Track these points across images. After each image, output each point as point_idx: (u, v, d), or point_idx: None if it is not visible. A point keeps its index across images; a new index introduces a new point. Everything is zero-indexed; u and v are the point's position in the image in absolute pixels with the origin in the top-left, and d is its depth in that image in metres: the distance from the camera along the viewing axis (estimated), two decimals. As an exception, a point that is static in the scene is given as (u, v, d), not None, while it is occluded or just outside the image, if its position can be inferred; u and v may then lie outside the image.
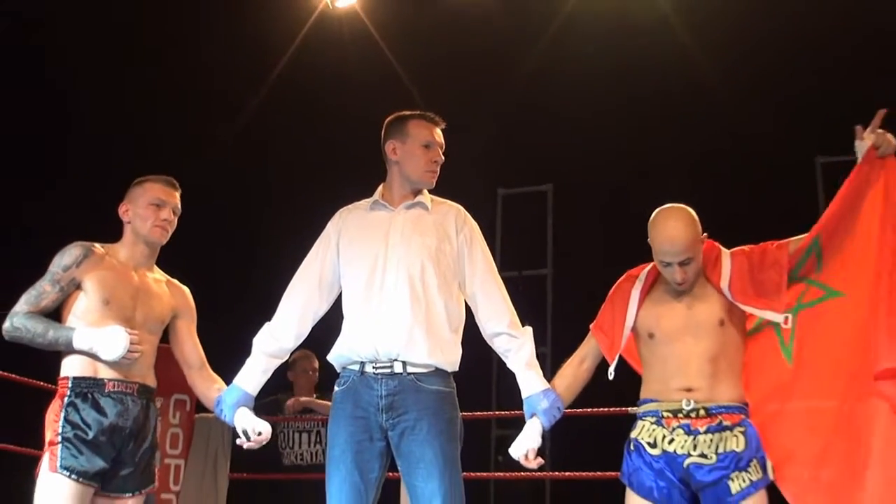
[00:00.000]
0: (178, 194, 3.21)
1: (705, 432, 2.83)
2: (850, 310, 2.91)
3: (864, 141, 2.93)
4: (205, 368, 3.26)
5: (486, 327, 3.06)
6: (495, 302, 3.05)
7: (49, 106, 6.78)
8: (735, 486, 2.77)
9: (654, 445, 2.88)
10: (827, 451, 2.87)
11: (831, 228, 2.96)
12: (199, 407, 4.47)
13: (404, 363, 2.92)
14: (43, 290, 3.03)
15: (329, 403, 3.09)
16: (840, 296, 2.94)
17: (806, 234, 2.96)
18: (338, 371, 3.05)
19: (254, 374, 3.08)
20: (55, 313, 3.06)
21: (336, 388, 3.03)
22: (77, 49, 6.67)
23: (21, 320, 2.99)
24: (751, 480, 2.78)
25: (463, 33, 6.86)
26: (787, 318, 2.89)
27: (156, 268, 3.24)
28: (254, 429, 3.01)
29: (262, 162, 7.40)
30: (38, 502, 2.91)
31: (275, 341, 3.08)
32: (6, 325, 3.01)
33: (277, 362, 3.13)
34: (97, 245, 3.12)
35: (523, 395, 3.00)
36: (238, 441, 3.08)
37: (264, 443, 3.06)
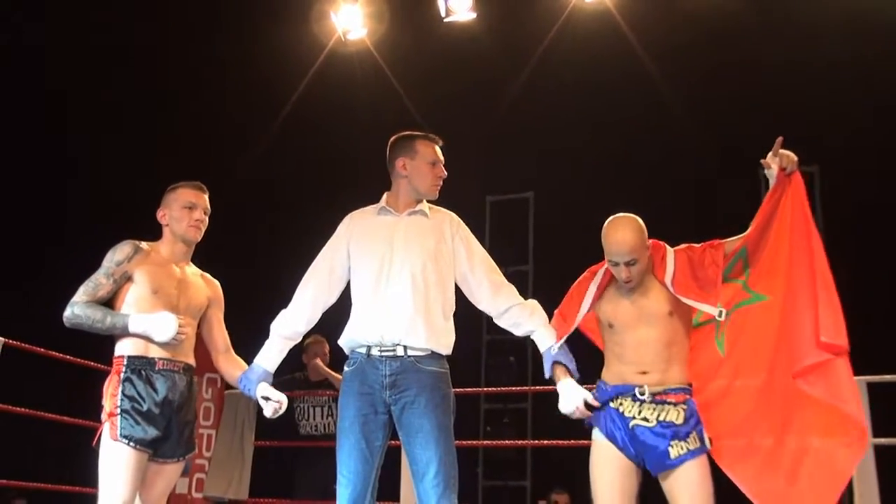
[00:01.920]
0: (206, 196, 3.21)
1: (650, 402, 2.83)
2: (773, 312, 2.92)
3: (772, 167, 2.92)
4: (230, 352, 3.25)
5: (497, 306, 3.06)
6: (500, 284, 3.08)
7: (71, 150, 6.76)
8: (674, 452, 2.78)
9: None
10: (748, 424, 2.89)
11: (755, 239, 2.96)
12: (229, 384, 4.46)
13: (406, 347, 2.92)
14: (99, 283, 3.03)
15: (339, 376, 3.09)
16: (764, 299, 2.95)
17: (738, 238, 2.96)
18: (347, 354, 3.05)
19: (271, 353, 3.09)
20: (107, 303, 3.06)
21: (345, 369, 3.03)
22: (94, 90, 6.65)
23: (81, 309, 2.98)
24: (688, 449, 2.78)
25: (458, 64, 6.89)
26: (720, 312, 2.87)
27: (191, 263, 3.25)
28: (274, 398, 3.03)
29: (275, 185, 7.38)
30: (103, 467, 2.90)
31: (289, 325, 3.08)
32: (67, 312, 3.00)
33: (291, 344, 3.13)
34: (143, 243, 3.14)
35: (542, 349, 3.01)
36: (263, 411, 3.09)
37: (282, 411, 3.08)
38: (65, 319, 3.01)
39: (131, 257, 3.05)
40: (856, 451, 2.77)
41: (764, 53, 6.31)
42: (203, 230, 3.19)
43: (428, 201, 3.14)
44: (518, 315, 3.05)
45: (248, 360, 3.14)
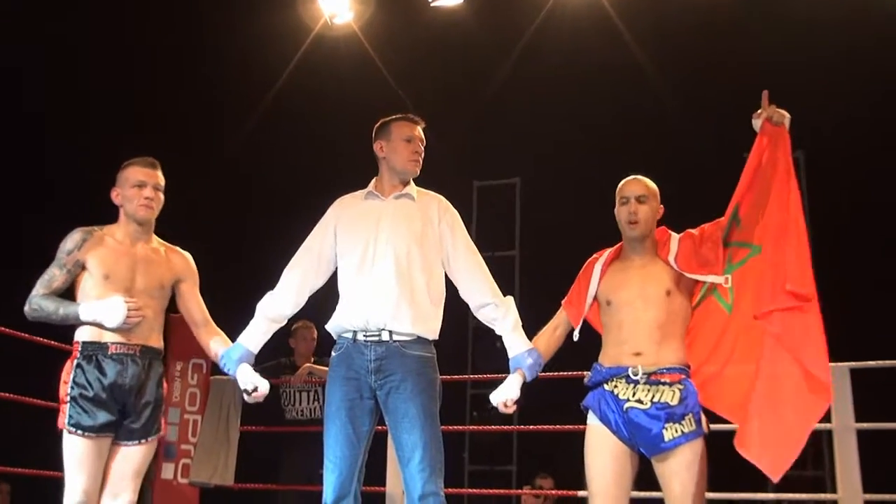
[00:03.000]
0: (158, 172, 3.14)
1: (644, 383, 2.84)
2: (767, 261, 2.91)
3: (759, 118, 2.95)
4: (209, 324, 3.22)
5: (473, 300, 3.06)
6: (479, 277, 3.06)
7: (51, 124, 6.69)
8: (668, 434, 2.77)
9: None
10: (749, 400, 2.85)
11: (745, 194, 2.98)
12: (214, 369, 4.45)
13: (391, 332, 2.92)
14: (53, 275, 3.04)
15: (326, 369, 3.08)
16: (759, 250, 2.94)
17: (730, 203, 2.99)
18: (334, 339, 3.05)
19: (255, 334, 3.07)
20: (68, 292, 3.06)
21: (333, 354, 3.02)
22: (74, 73, 6.58)
23: (38, 301, 3.01)
24: (683, 431, 2.77)
25: (445, 49, 6.87)
26: (726, 279, 2.91)
27: (154, 238, 3.19)
28: (253, 384, 3.00)
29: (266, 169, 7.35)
30: (64, 457, 2.94)
31: (275, 308, 3.07)
32: (26, 308, 3.03)
33: (276, 326, 3.11)
34: (97, 228, 3.11)
35: (510, 355, 3.02)
36: (241, 388, 3.05)
37: (262, 398, 3.05)
38: (26, 314, 3.04)
39: (81, 245, 3.04)
40: (820, 401, 2.72)
41: (752, 39, 6.32)
42: (157, 208, 3.13)
43: (416, 182, 3.13)
44: (492, 314, 3.04)
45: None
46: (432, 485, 2.83)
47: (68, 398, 2.95)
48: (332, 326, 3.04)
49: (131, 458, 3.02)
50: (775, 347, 2.78)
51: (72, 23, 6.41)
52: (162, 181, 3.15)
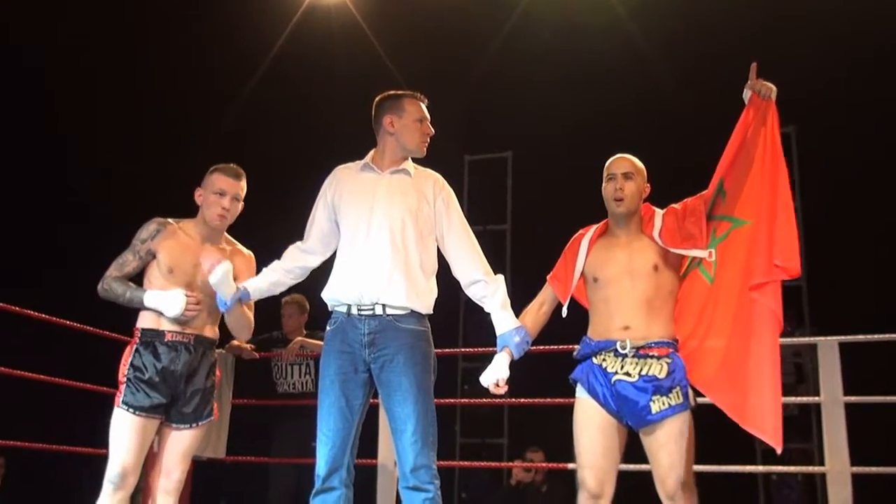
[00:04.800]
0: (242, 183, 3.25)
1: (633, 357, 2.86)
2: (752, 234, 2.93)
3: (747, 90, 2.97)
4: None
5: (464, 276, 3.06)
6: (470, 255, 3.06)
7: (51, 109, 6.64)
8: (655, 406, 2.79)
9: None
10: (722, 374, 2.89)
11: (729, 168, 2.99)
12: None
13: (384, 306, 2.93)
14: (126, 259, 3.20)
15: (318, 342, 3.09)
16: (745, 224, 2.96)
17: (713, 176, 3.00)
18: (329, 310, 3.06)
19: (261, 280, 3.14)
20: (138, 277, 3.22)
21: (327, 328, 3.03)
22: (73, 56, 6.53)
23: (109, 282, 3.17)
24: (670, 404, 2.79)
25: (437, 22, 6.83)
26: (710, 252, 2.93)
27: (225, 237, 3.31)
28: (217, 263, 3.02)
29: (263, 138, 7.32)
30: (111, 431, 3.08)
31: (302, 256, 3.11)
32: (100, 286, 3.18)
33: (290, 278, 3.14)
34: (171, 220, 3.24)
35: (498, 332, 3.02)
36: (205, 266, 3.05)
37: (227, 268, 3.05)
38: (98, 292, 3.19)
39: (154, 235, 3.20)
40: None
41: (743, 13, 6.30)
42: (230, 217, 3.25)
43: (414, 160, 3.13)
44: (482, 291, 3.04)
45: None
46: (424, 457, 2.85)
47: (125, 379, 3.10)
48: (326, 296, 3.04)
49: (182, 440, 3.17)
50: (770, 319, 2.80)
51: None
52: (243, 191, 3.26)
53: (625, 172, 2.97)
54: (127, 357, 3.14)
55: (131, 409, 3.05)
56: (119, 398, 3.08)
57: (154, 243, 3.18)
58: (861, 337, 4.10)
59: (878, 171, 6.18)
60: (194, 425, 3.18)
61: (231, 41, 6.79)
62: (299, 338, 5.04)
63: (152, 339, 3.14)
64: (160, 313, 3.12)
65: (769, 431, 2.72)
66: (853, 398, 3.99)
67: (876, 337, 4.10)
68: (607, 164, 3.03)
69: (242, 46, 6.96)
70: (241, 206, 3.27)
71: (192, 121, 6.76)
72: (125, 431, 3.05)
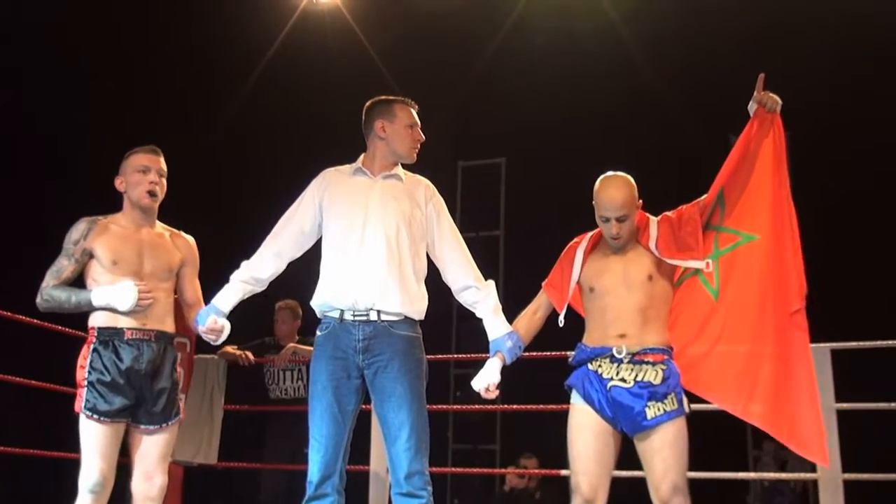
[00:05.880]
0: (161, 159, 3.16)
1: (628, 363, 2.86)
2: (764, 251, 2.95)
3: (753, 102, 2.97)
4: (199, 304, 3.23)
5: (455, 283, 3.06)
6: (461, 261, 3.06)
7: (41, 106, 6.62)
8: (651, 412, 2.79)
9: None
10: (748, 383, 2.93)
11: (731, 179, 2.98)
12: (198, 348, 4.44)
13: (379, 311, 2.92)
14: (61, 266, 3.07)
15: (310, 348, 3.08)
16: (753, 238, 2.97)
17: (712, 185, 2.99)
18: (319, 316, 3.05)
19: (226, 295, 3.07)
20: (79, 282, 3.09)
21: (318, 333, 3.02)
22: (63, 58, 6.51)
23: (49, 292, 3.04)
24: (665, 410, 2.79)
25: (431, 28, 6.84)
26: (707, 263, 2.93)
27: (158, 223, 3.22)
28: (212, 325, 3.01)
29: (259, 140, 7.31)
30: (81, 438, 2.97)
31: (249, 272, 3.06)
32: (38, 299, 3.07)
33: (249, 288, 3.09)
34: (100, 217, 3.13)
35: (490, 338, 3.02)
36: (199, 329, 3.05)
37: (224, 333, 3.05)
38: (38, 306, 3.08)
39: (87, 234, 3.07)
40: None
41: (737, 18, 6.32)
42: (160, 194, 3.15)
43: (404, 166, 3.13)
44: (473, 297, 3.04)
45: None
46: (418, 463, 2.85)
47: (85, 382, 2.97)
48: (317, 303, 3.03)
49: (157, 442, 3.05)
50: (801, 337, 2.86)
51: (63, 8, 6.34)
52: (164, 168, 3.17)
53: (619, 217, 2.87)
54: (84, 358, 3.00)
55: (97, 416, 2.94)
56: (80, 403, 2.95)
57: (88, 242, 3.05)
58: (853, 344, 4.11)
59: (871, 177, 6.20)
60: (164, 425, 3.06)
61: (225, 46, 6.79)
62: (291, 344, 5.02)
63: (111, 337, 3.00)
64: (114, 310, 2.99)
65: (813, 448, 2.76)
66: (845, 405, 4.00)
67: (867, 344, 4.11)
68: (597, 201, 2.92)
69: (236, 52, 6.96)
70: (165, 183, 3.15)
71: (186, 125, 6.74)
72: (97, 439, 2.93)
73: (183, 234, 3.27)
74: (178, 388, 3.16)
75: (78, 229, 3.08)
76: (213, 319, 3.01)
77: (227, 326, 3.06)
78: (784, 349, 2.88)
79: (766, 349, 2.91)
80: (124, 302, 2.96)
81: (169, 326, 3.12)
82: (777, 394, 2.87)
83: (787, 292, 2.88)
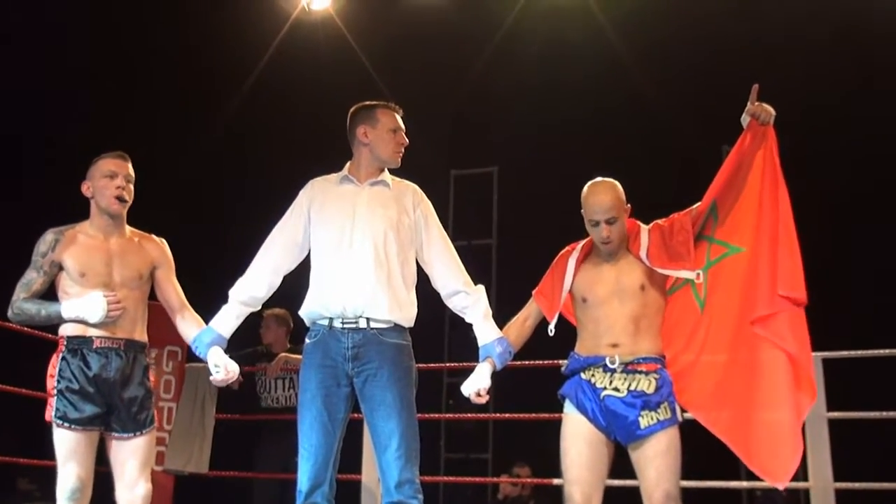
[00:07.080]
0: (128, 164, 3.13)
1: (621, 372, 2.85)
2: (747, 262, 2.94)
3: (746, 114, 2.96)
4: (185, 309, 3.20)
5: (444, 288, 3.05)
6: (451, 266, 3.05)
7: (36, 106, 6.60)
8: (644, 422, 2.79)
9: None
10: (720, 393, 2.91)
11: (724, 191, 2.98)
12: (190, 357, 4.42)
13: (368, 319, 2.90)
14: (31, 278, 3.04)
15: (300, 357, 3.06)
16: (740, 251, 2.96)
17: (705, 196, 2.98)
18: (308, 325, 3.03)
19: (228, 318, 3.04)
20: (50, 292, 3.06)
21: (307, 341, 3.00)
22: (62, 58, 6.49)
23: (19, 305, 3.02)
24: (658, 419, 2.79)
25: (423, 37, 6.86)
26: (698, 275, 2.92)
27: (127, 228, 3.17)
28: (225, 366, 2.99)
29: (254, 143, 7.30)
30: (56, 447, 2.95)
31: (247, 291, 3.04)
32: (9, 312, 3.05)
33: (249, 310, 3.08)
34: (67, 227, 3.09)
35: (480, 343, 3.01)
36: (211, 377, 3.04)
37: (233, 379, 3.05)
38: (9, 318, 3.06)
39: (54, 246, 3.03)
40: (803, 406, 2.80)
41: (729, 24, 6.34)
42: (128, 199, 3.11)
43: (391, 171, 3.12)
44: (463, 302, 3.03)
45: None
46: (409, 472, 2.83)
47: (55, 391, 2.96)
48: (305, 312, 3.01)
49: (135, 449, 3.02)
50: (770, 348, 2.81)
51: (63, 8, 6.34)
52: (132, 173, 3.13)
53: (608, 219, 2.88)
54: (54, 367, 2.99)
55: (67, 424, 2.92)
56: (50, 412, 2.94)
57: (56, 254, 3.02)
58: (845, 353, 4.11)
59: (862, 185, 6.22)
60: (139, 434, 3.02)
61: (218, 53, 6.78)
62: (283, 353, 5.01)
63: (79, 346, 2.98)
64: (84, 321, 2.96)
65: (773, 467, 2.74)
66: (836, 414, 4.00)
67: (860, 353, 4.11)
68: (585, 198, 2.93)
69: (230, 59, 6.96)
70: (132, 189, 3.11)
71: (179, 131, 6.73)
72: (70, 446, 2.91)
73: (153, 237, 3.23)
74: (152, 395, 3.12)
75: (45, 241, 3.05)
76: (224, 370, 2.98)
77: (236, 368, 3.03)
78: (754, 360, 2.86)
79: (739, 359, 2.89)
80: (93, 314, 2.94)
81: (139, 335, 3.09)
82: (743, 408, 2.85)
83: (757, 301, 2.85)
